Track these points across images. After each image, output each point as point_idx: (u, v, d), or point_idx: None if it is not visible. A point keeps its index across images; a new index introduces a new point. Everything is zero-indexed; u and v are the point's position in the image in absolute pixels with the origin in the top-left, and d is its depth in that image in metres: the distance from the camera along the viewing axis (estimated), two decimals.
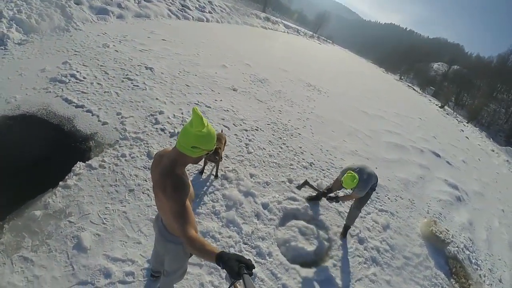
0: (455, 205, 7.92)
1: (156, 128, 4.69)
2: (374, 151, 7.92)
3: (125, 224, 3.07)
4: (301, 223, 4.05)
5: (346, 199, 4.02)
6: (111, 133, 4.32)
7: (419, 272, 4.50)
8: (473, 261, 5.78)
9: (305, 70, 14.43)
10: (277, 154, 5.41)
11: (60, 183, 3.31)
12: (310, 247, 3.74)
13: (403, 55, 69.29)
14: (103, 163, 3.73)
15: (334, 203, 4.20)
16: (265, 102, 7.61)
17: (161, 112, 5.10)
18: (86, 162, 3.67)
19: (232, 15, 20.92)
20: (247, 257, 2.95)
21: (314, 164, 5.60)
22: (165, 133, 4.65)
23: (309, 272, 3.45)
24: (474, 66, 61.36)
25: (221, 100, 6.52)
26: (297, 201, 4.42)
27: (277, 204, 4.17)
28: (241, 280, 1.07)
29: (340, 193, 4.86)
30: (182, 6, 14.25)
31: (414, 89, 47.56)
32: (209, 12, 17.14)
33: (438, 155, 11.55)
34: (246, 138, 5.49)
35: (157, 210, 3.13)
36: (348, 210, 4.38)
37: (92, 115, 4.56)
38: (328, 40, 56.78)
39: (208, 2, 18.24)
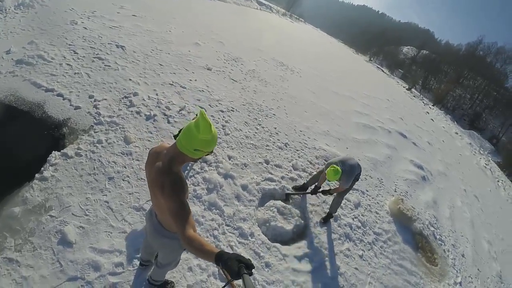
0: (421, 184, 8.46)
1: (131, 111, 4.51)
2: (345, 131, 8.19)
3: (108, 214, 3.00)
4: (279, 203, 4.17)
5: (336, 191, 4.09)
6: (84, 118, 4.12)
7: (388, 247, 4.86)
8: (437, 237, 6.25)
9: (278, 49, 14.33)
10: (253, 135, 5.45)
11: (36, 175, 3.14)
12: (289, 226, 3.89)
13: (374, 37, 70.44)
14: (79, 151, 3.57)
15: (326, 195, 4.24)
16: (239, 81, 7.55)
17: (135, 94, 4.89)
18: (61, 151, 3.49)
19: None
20: (240, 253, 3.15)
21: (288, 145, 5.71)
22: (140, 116, 4.49)
23: (289, 249, 3.61)
24: (443, 52, 63.09)
25: (195, 80, 6.36)
26: (274, 181, 4.53)
27: (256, 185, 4.25)
28: (240, 280, 1.09)
29: (326, 187, 4.97)
30: None
31: (383, 70, 48.85)
32: None
33: (404, 136, 12.10)
34: (223, 120, 5.46)
35: (150, 204, 3.15)
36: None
37: (63, 99, 4.30)
38: (300, 19, 56.19)
39: None
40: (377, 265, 4.34)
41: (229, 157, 4.55)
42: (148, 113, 4.59)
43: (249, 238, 3.43)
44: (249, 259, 1.13)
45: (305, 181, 4.80)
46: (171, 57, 6.86)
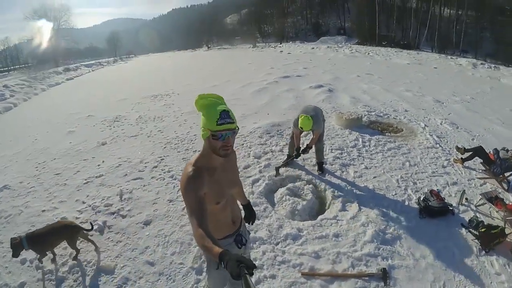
0: (333, 95, 9.81)
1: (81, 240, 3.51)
2: (252, 105, 8.75)
3: None
4: (281, 190, 4.05)
5: (313, 142, 4.27)
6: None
7: (369, 147, 5.51)
8: (381, 115, 7.43)
9: (138, 88, 13.76)
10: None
11: None
12: (309, 197, 3.87)
13: (198, 29, 72.06)
14: None
15: (308, 151, 4.35)
16: (140, 134, 6.84)
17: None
18: None
19: (34, 85, 18.10)
20: (313, 249, 2.96)
21: None
22: (90, 235, 3.39)
23: (331, 211, 3.68)
24: (257, 2, 63.74)
25: (103, 162, 5.40)
26: (259, 180, 4.38)
27: (251, 195, 3.97)
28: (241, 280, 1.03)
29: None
30: None
31: (224, 48, 52.22)
32: (11, 96, 14.62)
33: (288, 77, 13.74)
34: (163, 171, 4.87)
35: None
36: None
37: None
38: (131, 55, 57.05)
39: (4, 87, 15.86)
40: (379, 162, 4.92)
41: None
42: (95, 227, 3.61)
43: (302, 234, 3.25)
44: (250, 259, 1.06)
45: (288, 153, 4.86)
46: (60, 161, 5.63)
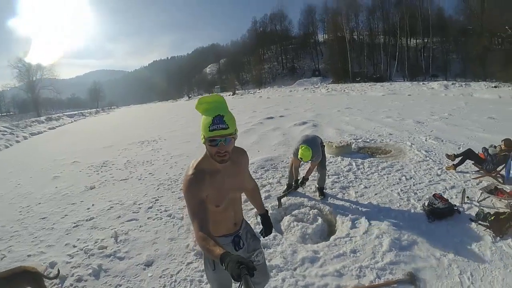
0: (319, 129, 10.21)
1: (68, 285, 3.09)
2: (240, 141, 8.66)
3: None
4: (287, 218, 3.98)
5: (310, 173, 4.36)
6: None
7: (364, 169, 5.69)
8: (367, 141, 7.79)
9: (124, 135, 13.79)
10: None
11: None
12: (317, 221, 3.81)
13: (178, 80, 74.75)
14: None
15: (305, 183, 4.44)
16: (130, 177, 6.65)
17: (52, 264, 3.34)
18: None
19: (16, 133, 18.06)
20: (336, 269, 2.90)
21: None
22: (86, 281, 3.12)
23: (342, 230, 3.66)
24: (234, 51, 70.00)
25: (93, 205, 5.11)
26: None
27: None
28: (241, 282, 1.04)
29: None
30: None
31: None
32: None
33: (272, 118, 14.32)
34: (159, 212, 4.63)
35: None
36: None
37: None
38: (113, 107, 57.98)
39: None
40: (377, 180, 5.07)
41: None
42: (90, 271, 3.26)
43: (318, 255, 3.15)
44: (250, 261, 1.07)
45: (287, 182, 4.87)
46: (46, 205, 5.30)
